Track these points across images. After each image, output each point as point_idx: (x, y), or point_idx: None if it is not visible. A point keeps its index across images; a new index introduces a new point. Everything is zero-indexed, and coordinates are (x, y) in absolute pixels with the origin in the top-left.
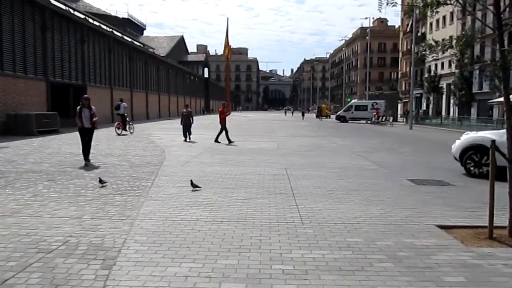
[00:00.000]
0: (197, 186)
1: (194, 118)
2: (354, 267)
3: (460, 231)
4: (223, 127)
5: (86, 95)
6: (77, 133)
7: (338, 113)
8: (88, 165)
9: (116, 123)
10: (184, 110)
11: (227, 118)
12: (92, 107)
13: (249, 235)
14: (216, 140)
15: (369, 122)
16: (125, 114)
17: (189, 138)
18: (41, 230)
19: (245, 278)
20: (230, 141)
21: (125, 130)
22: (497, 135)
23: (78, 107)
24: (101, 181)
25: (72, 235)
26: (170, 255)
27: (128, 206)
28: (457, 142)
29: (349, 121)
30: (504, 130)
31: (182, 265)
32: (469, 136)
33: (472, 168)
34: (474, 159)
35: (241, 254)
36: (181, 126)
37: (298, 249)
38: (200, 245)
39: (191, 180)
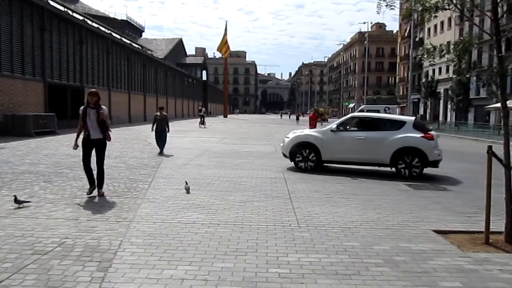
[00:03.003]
0: (187, 189)
1: (193, 121)
2: (351, 271)
3: (457, 236)
4: None
5: (93, 90)
6: (75, 134)
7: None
8: (94, 196)
9: (199, 120)
10: (158, 113)
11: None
12: (103, 106)
13: (246, 238)
14: None
15: None
16: (204, 115)
17: (162, 150)
18: (37, 232)
19: (241, 281)
20: None
21: (203, 125)
22: (321, 132)
23: (82, 107)
24: (17, 201)
25: (68, 236)
26: (166, 258)
27: (124, 208)
28: (286, 140)
29: None
30: (326, 128)
31: (178, 268)
32: (297, 135)
33: (300, 163)
34: (302, 154)
35: (237, 257)
36: (155, 134)
37: (295, 253)
38: (197, 248)
39: (186, 182)
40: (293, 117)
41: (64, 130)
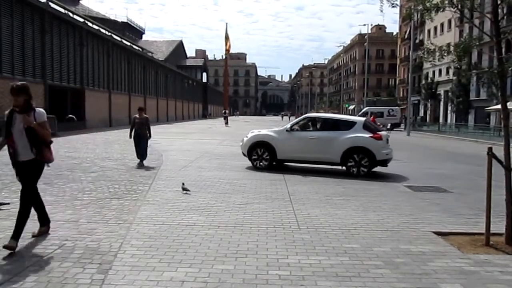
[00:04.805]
0: (187, 190)
1: (194, 123)
2: (351, 273)
3: (457, 238)
4: None
5: (18, 83)
6: (75, 136)
7: None
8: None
9: (224, 120)
10: (137, 115)
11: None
12: (39, 109)
13: (246, 240)
14: None
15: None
16: (227, 116)
17: (142, 161)
18: None
19: (241, 283)
20: None
21: (227, 124)
22: (277, 132)
23: (7, 112)
24: None
25: (68, 238)
26: (167, 260)
27: (125, 210)
28: (245, 139)
29: None
30: (282, 128)
31: (178, 270)
32: (254, 134)
33: (256, 162)
34: (258, 153)
35: (237, 259)
36: (134, 141)
37: (295, 255)
38: (197, 250)
39: (182, 183)
40: (293, 118)
41: (64, 132)
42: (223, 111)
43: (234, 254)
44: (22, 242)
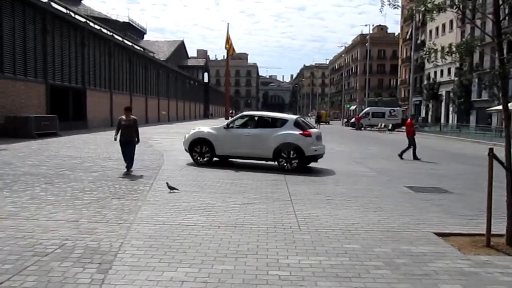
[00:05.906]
0: (174, 188)
1: (195, 123)
2: (351, 273)
3: (458, 239)
4: (411, 141)
5: None
6: (76, 136)
7: (353, 120)
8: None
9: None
10: (124, 117)
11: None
12: None
13: (246, 240)
14: (415, 157)
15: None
16: (233, 116)
17: (129, 170)
18: (37, 233)
19: (241, 283)
20: (416, 158)
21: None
22: (216, 129)
23: None
24: None
25: (68, 238)
26: (167, 260)
27: (125, 210)
28: (187, 136)
29: (366, 128)
30: (220, 126)
31: (178, 270)
32: (195, 131)
33: (196, 157)
34: (197, 150)
35: (237, 260)
36: (120, 146)
37: (295, 255)
38: (197, 250)
39: (167, 183)
40: None
41: (66, 131)
42: (230, 112)
43: (234, 254)
44: (22, 242)
